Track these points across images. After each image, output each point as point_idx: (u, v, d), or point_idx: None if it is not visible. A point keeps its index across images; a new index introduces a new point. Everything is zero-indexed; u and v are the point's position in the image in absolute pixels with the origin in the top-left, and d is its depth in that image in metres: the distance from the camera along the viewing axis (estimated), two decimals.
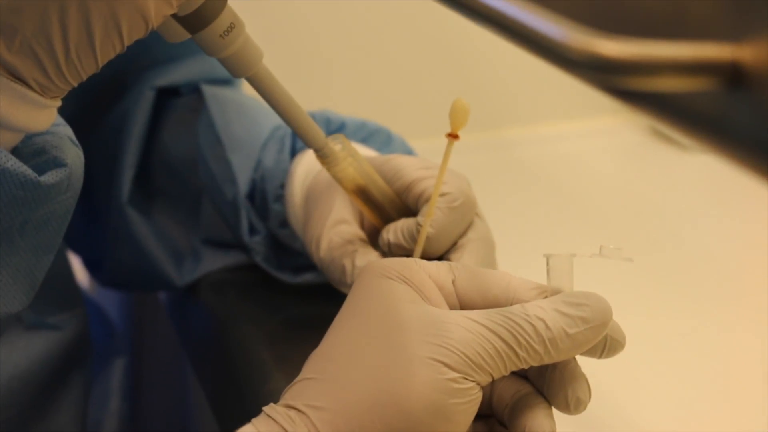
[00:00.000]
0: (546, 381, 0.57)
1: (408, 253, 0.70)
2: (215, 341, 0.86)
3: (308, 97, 0.77)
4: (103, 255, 0.94)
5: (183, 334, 0.96)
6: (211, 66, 0.92)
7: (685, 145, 1.28)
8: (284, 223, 0.83)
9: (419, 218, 0.70)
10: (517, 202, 1.19)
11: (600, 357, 0.58)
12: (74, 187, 0.61)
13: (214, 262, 0.88)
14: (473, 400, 0.54)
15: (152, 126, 0.91)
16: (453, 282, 0.58)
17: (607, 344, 0.57)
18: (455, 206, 0.70)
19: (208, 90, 0.90)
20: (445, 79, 1.32)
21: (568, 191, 1.23)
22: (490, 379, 0.54)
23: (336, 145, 0.69)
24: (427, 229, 0.69)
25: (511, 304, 0.57)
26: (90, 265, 1.00)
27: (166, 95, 0.92)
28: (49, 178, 0.59)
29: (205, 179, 0.88)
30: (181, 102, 0.91)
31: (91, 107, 0.92)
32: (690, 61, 0.37)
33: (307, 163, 0.81)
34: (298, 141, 0.85)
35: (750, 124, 0.37)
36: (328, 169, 0.70)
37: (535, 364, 0.55)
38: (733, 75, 0.37)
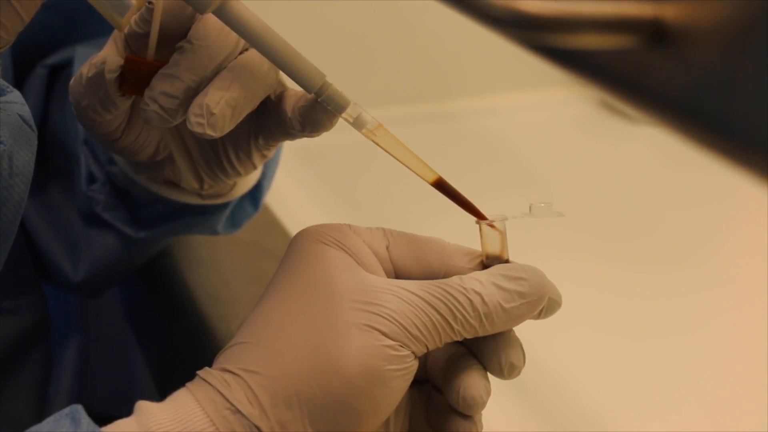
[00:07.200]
0: (480, 346, 0.57)
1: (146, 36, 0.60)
2: (155, 308, 0.86)
3: None
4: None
5: (126, 304, 0.96)
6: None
7: (634, 117, 1.29)
8: (112, 159, 0.74)
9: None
10: (466, 174, 1.18)
11: (539, 318, 0.58)
12: (20, 171, 0.57)
13: (103, 247, 0.81)
14: (409, 367, 0.53)
15: (47, 106, 0.83)
16: (387, 248, 0.58)
17: (545, 305, 0.56)
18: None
19: (82, 50, 0.81)
20: (394, 49, 1.32)
21: (517, 163, 1.23)
22: (425, 350, 0.54)
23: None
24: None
25: (446, 270, 0.57)
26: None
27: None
28: None
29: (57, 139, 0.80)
30: (67, 73, 0.83)
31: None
32: (612, 18, 0.37)
33: None
34: None
35: (671, 81, 0.37)
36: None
37: (469, 336, 0.54)
38: (654, 32, 0.37)
